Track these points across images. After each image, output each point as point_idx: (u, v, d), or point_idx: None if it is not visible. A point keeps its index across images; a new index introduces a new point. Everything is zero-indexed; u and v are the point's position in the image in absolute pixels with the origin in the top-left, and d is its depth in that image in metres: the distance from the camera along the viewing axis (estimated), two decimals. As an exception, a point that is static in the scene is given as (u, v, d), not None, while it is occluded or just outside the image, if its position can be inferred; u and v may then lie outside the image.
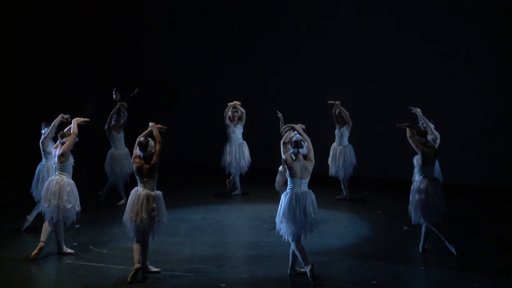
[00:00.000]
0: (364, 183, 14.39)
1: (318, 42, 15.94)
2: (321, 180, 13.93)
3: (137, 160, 8.75)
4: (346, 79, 15.67)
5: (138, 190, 8.78)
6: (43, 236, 9.60)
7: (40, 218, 10.17)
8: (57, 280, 8.99)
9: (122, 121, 12.71)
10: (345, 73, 15.70)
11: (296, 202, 8.57)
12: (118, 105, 12.69)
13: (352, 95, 15.23)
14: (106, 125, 12.67)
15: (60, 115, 10.14)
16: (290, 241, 8.72)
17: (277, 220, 8.73)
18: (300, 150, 8.62)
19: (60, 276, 9.17)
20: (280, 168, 11.02)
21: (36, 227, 10.44)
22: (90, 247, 10.19)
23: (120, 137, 12.72)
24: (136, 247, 8.77)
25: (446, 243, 9.70)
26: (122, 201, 12.54)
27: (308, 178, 8.70)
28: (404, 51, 15.10)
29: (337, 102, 13.18)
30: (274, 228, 9.10)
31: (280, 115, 11.20)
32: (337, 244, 10.43)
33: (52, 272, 9.27)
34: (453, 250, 9.63)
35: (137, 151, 8.75)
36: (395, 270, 9.23)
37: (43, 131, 10.38)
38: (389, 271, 9.18)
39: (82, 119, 9.87)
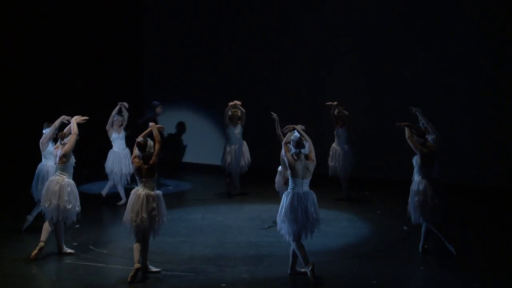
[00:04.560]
0: (364, 183, 14.40)
1: (319, 42, 15.94)
2: (321, 180, 13.98)
3: (136, 160, 8.75)
4: (346, 79, 15.67)
5: (138, 190, 8.77)
6: (43, 236, 9.61)
7: (40, 218, 10.17)
8: (57, 280, 8.99)
9: (122, 121, 12.73)
10: (345, 72, 15.70)
11: (297, 202, 8.58)
12: (118, 105, 12.70)
13: (352, 95, 15.24)
14: (107, 125, 12.68)
15: (62, 117, 10.14)
16: (291, 241, 8.72)
17: (278, 219, 8.74)
18: (302, 150, 8.64)
19: (60, 276, 9.16)
20: (280, 168, 11.03)
21: (36, 227, 10.44)
22: (90, 247, 10.18)
23: (121, 137, 12.74)
24: (136, 247, 8.77)
25: (446, 243, 9.69)
26: (122, 201, 12.54)
27: (310, 178, 8.72)
28: (404, 51, 15.10)
29: (335, 102, 13.19)
30: (271, 227, 9.08)
31: (275, 116, 11.22)
32: (337, 244, 10.43)
33: (52, 272, 9.27)
34: (453, 250, 9.63)
35: (136, 151, 8.76)
36: (395, 270, 9.23)
37: (44, 131, 10.38)
38: (389, 271, 9.18)
39: (81, 117, 9.87)
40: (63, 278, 9.05)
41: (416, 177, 9.71)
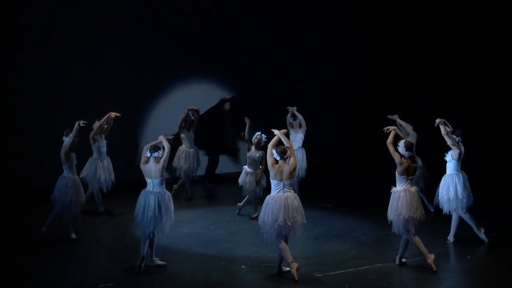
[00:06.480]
0: (364, 183, 14.47)
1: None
2: (321, 180, 14.04)
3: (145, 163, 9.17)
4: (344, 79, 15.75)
5: (148, 190, 9.13)
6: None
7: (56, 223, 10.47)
8: (58, 277, 8.94)
9: (106, 128, 12.40)
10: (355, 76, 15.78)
11: (278, 203, 8.70)
12: (108, 114, 12.29)
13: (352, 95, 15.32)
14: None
15: (77, 123, 10.40)
16: (273, 241, 8.81)
17: (260, 221, 8.88)
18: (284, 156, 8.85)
19: (61, 274, 9.12)
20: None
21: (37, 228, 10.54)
22: (90, 245, 10.29)
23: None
24: (143, 241, 9.05)
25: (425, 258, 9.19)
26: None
27: (292, 180, 8.85)
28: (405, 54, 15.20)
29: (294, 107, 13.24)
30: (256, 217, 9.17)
31: (248, 120, 11.70)
32: (336, 246, 10.43)
33: (55, 271, 9.21)
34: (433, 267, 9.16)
35: (146, 154, 9.12)
36: (395, 271, 9.24)
37: (64, 139, 10.46)
38: (390, 272, 9.18)
39: (80, 122, 10.34)
40: (63, 276, 9.01)
41: (398, 186, 9.20)
